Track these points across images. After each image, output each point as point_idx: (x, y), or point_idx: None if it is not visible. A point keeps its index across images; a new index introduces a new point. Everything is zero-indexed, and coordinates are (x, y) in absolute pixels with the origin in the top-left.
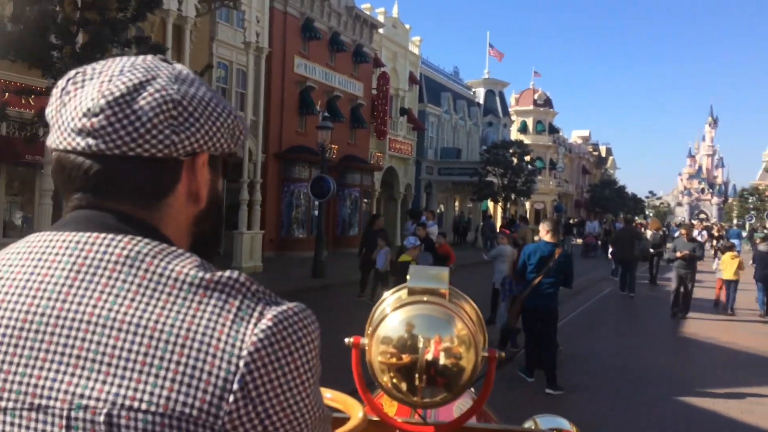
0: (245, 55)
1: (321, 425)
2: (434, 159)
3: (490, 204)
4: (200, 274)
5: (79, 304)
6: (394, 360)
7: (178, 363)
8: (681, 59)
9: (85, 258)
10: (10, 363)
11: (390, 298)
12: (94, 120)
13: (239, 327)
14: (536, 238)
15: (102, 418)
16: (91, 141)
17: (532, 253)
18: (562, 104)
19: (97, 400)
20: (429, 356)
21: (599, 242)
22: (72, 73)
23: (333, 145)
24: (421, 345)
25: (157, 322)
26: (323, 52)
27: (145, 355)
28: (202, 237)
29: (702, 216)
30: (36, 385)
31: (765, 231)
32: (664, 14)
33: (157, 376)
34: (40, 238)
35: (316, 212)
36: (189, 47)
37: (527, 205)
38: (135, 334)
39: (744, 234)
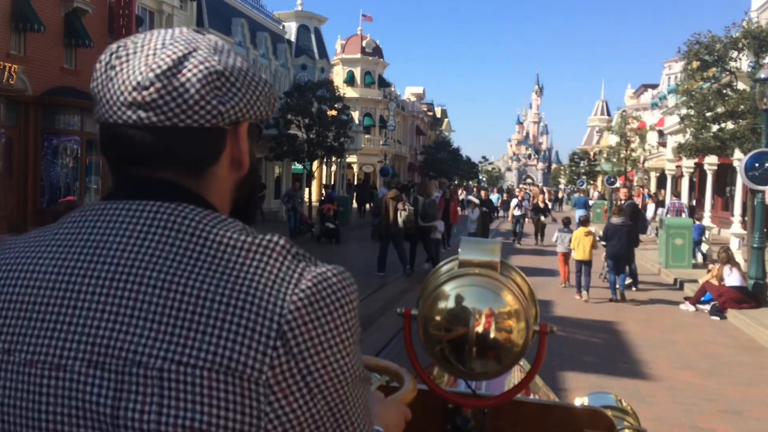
0: None
1: (360, 384)
2: None
3: (315, 165)
4: (243, 237)
5: (131, 267)
6: (444, 332)
7: (223, 320)
8: (510, 22)
9: (136, 224)
10: (69, 323)
11: (442, 269)
12: (145, 93)
13: (280, 287)
14: None
15: (154, 373)
16: (142, 114)
17: None
18: (394, 56)
19: (149, 356)
20: (479, 329)
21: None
22: (114, 47)
23: (12, 66)
24: (471, 317)
25: (203, 282)
26: None
27: (193, 313)
28: (242, 201)
29: (529, 180)
30: (93, 344)
31: (603, 199)
32: None
33: (204, 333)
34: (94, 208)
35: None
36: None
37: (355, 168)
38: (183, 293)
39: (591, 202)
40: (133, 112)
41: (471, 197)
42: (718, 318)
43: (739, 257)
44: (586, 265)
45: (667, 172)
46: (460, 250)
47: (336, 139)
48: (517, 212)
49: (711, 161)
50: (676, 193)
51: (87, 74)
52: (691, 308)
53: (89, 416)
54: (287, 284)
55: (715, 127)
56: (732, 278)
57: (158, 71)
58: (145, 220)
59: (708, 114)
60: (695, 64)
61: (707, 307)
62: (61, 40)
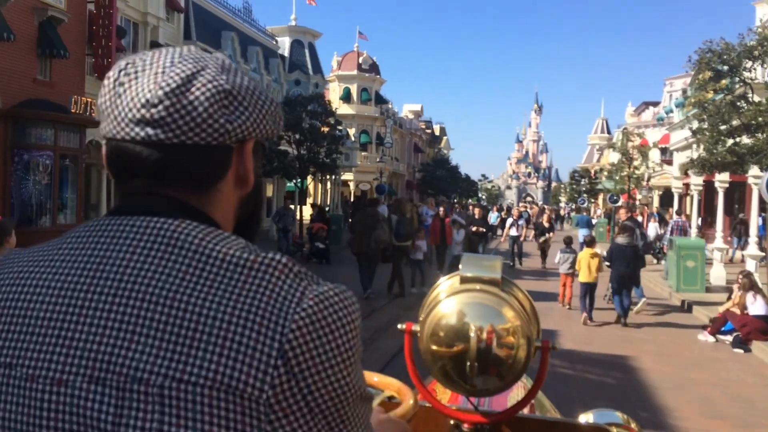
0: None
1: (361, 404)
2: None
3: (309, 181)
4: (245, 255)
5: (134, 283)
6: (445, 347)
7: (225, 338)
8: (508, 40)
9: (140, 241)
10: (71, 339)
11: (443, 285)
12: (154, 111)
13: (282, 306)
14: None
15: (155, 390)
16: (150, 131)
17: None
18: (392, 73)
19: (150, 373)
20: (481, 345)
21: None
22: (123, 63)
23: None
24: (473, 333)
25: (205, 300)
26: None
27: (194, 330)
28: (246, 218)
29: (529, 199)
30: (95, 359)
31: (600, 217)
32: None
33: (205, 350)
34: (99, 223)
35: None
36: None
37: (351, 185)
38: (185, 311)
39: (594, 221)
40: (141, 128)
41: (456, 217)
42: (741, 351)
43: (756, 281)
44: (591, 287)
45: (673, 189)
46: (461, 266)
47: (328, 155)
48: (513, 232)
49: (722, 178)
50: (680, 212)
51: (62, 86)
52: (711, 339)
53: None
54: (289, 303)
55: (730, 141)
56: (756, 306)
57: (167, 89)
58: (148, 236)
59: (722, 127)
60: (706, 74)
61: (728, 337)
62: (34, 50)
